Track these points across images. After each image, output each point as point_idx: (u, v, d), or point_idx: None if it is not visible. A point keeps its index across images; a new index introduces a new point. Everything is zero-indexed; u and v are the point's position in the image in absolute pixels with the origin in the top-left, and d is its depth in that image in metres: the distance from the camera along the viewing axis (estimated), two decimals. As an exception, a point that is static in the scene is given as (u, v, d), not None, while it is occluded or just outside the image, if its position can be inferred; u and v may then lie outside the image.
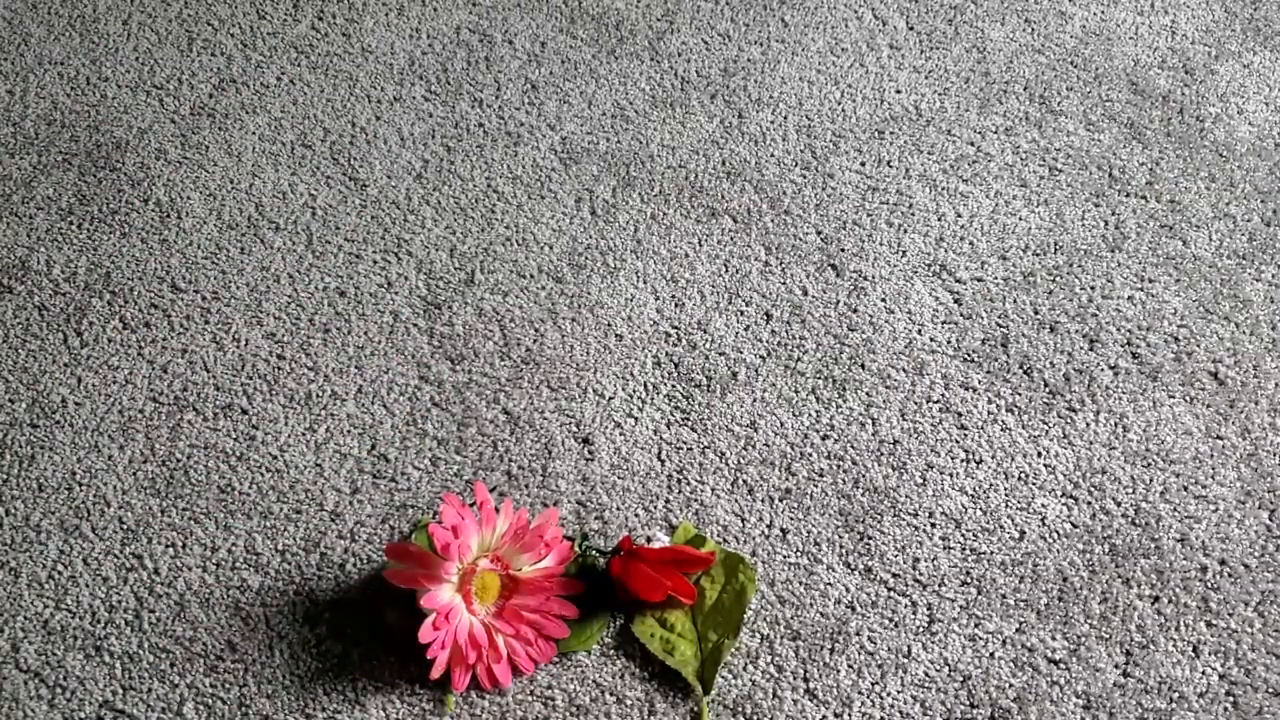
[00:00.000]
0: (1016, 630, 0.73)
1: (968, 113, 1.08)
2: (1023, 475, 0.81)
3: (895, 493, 0.80)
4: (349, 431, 0.84)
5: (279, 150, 1.04)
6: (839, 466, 0.82)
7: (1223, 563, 0.77)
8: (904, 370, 0.87)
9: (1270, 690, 0.71)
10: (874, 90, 1.10)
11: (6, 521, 0.79)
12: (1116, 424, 0.84)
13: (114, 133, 1.06)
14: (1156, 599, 0.75)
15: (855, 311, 0.91)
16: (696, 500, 0.80)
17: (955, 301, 0.92)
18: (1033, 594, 0.75)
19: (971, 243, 0.96)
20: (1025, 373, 0.87)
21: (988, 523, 0.79)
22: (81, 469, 0.82)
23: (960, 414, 0.85)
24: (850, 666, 0.72)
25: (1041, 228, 0.97)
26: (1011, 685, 0.71)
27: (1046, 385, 0.86)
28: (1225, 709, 0.70)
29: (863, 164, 1.03)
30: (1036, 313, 0.91)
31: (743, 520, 0.79)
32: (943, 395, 0.86)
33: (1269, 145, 1.04)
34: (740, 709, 0.70)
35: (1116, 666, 0.72)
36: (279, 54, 1.14)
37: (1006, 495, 0.80)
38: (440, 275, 0.94)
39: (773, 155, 1.03)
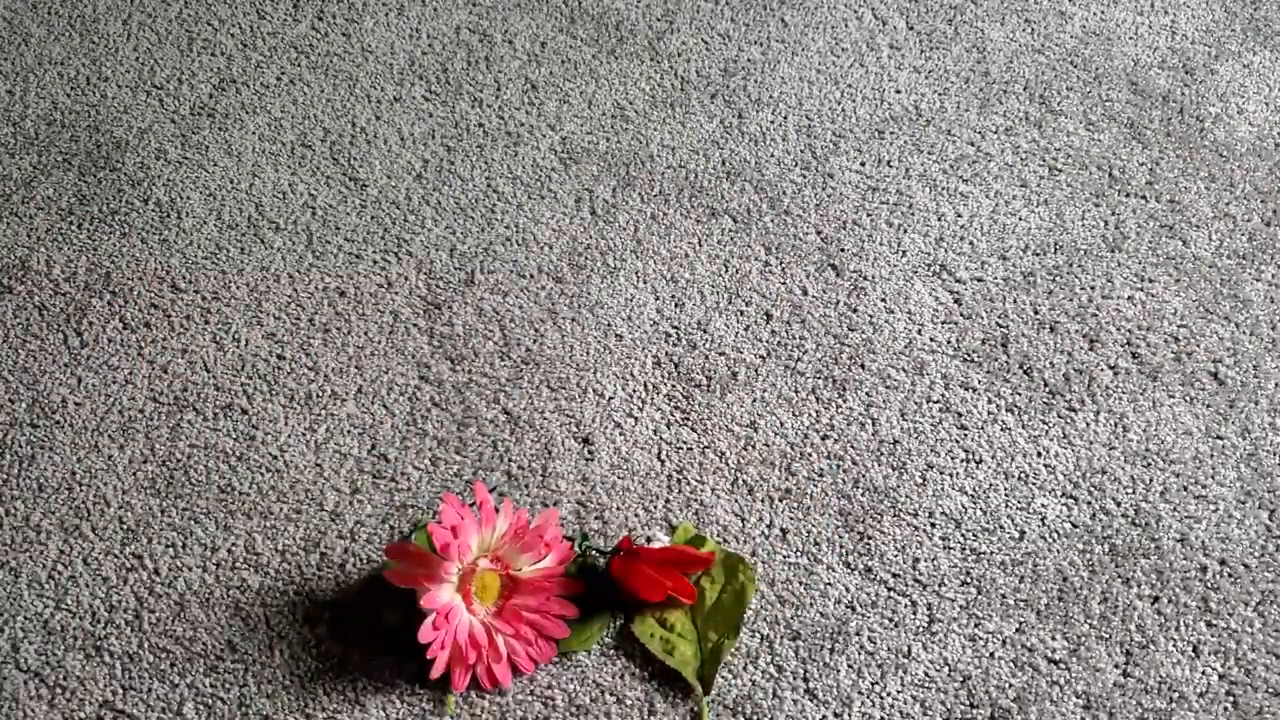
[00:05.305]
0: (1016, 630, 0.73)
1: (968, 113, 1.08)
2: (1023, 475, 0.81)
3: (895, 493, 0.80)
4: (349, 431, 0.84)
5: (279, 150, 1.04)
6: (839, 466, 0.82)
7: (1223, 563, 0.77)
8: (904, 370, 0.87)
9: (1270, 690, 0.71)
10: (874, 90, 1.10)
11: (6, 521, 0.79)
12: (1116, 424, 0.84)
13: (114, 133, 1.06)
14: (1156, 599, 0.75)
15: (855, 311, 0.91)
16: (696, 500, 0.80)
17: (955, 301, 0.92)
18: (1033, 594, 0.75)
19: (971, 243, 0.96)
20: (1025, 373, 0.87)
21: (988, 523, 0.79)
22: (81, 469, 0.82)
23: (960, 414, 0.85)
24: (850, 666, 0.72)
25: (1041, 228, 0.97)
26: (1011, 685, 0.71)
27: (1046, 385, 0.86)
28: (1225, 709, 0.70)
29: (863, 164, 1.03)
30: (1036, 313, 0.91)
31: (743, 520, 0.79)
32: (943, 395, 0.86)
33: (1269, 145, 1.04)
34: (740, 709, 0.70)
35: (1116, 666, 0.72)
36: (279, 54, 1.14)
37: (1006, 495, 0.80)
38: (440, 275, 0.94)
39: (773, 155, 1.03)
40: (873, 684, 0.71)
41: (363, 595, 0.76)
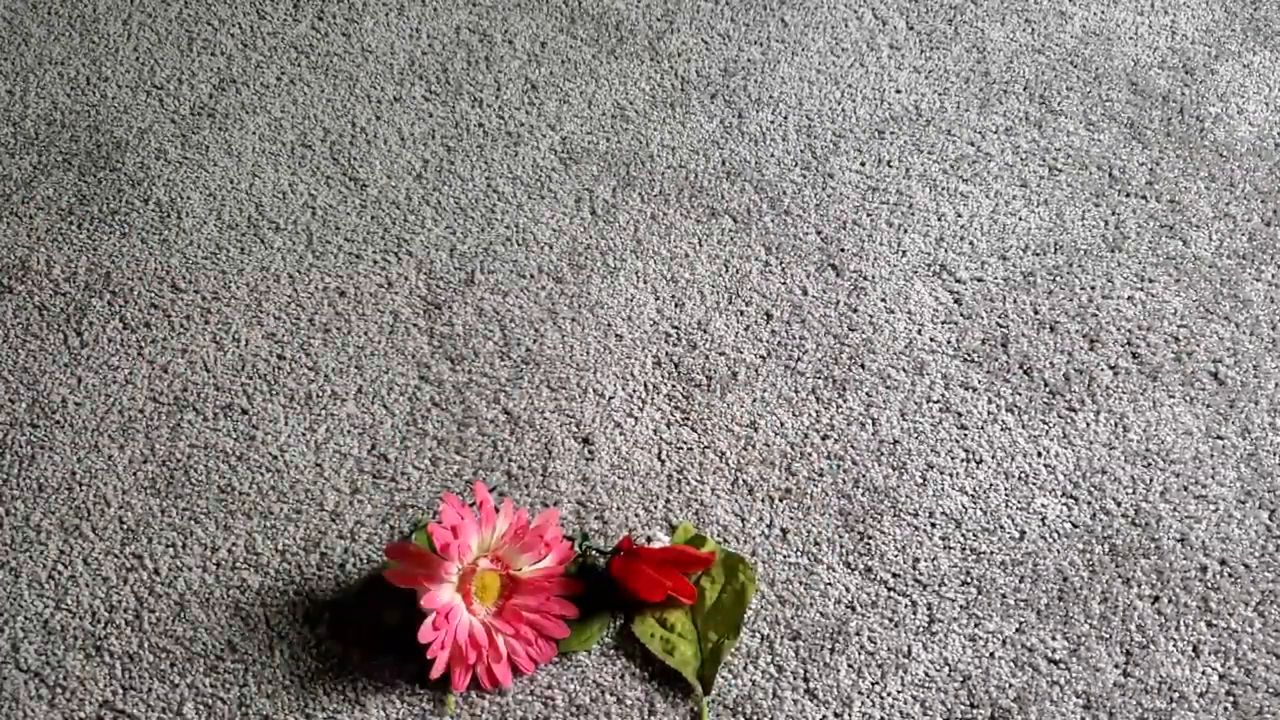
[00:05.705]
0: (1016, 630, 0.73)
1: (968, 113, 1.08)
2: (1023, 475, 0.81)
3: (895, 493, 0.80)
4: (349, 431, 0.84)
5: (279, 150, 1.04)
6: (839, 466, 0.82)
7: (1223, 563, 0.77)
8: (904, 370, 0.87)
9: (1270, 690, 0.71)
10: (874, 90, 1.10)
11: (6, 521, 0.79)
12: (1116, 424, 0.84)
13: (114, 133, 1.06)
14: (1156, 599, 0.75)
15: (855, 311, 0.91)
16: (696, 500, 0.80)
17: (955, 301, 0.92)
18: (1033, 594, 0.75)
19: (971, 243, 0.96)
20: (1025, 373, 0.87)
21: (988, 523, 0.79)
22: (81, 469, 0.82)
23: (960, 414, 0.85)
24: (850, 666, 0.72)
25: (1041, 228, 0.97)
26: (1011, 685, 0.71)
27: (1046, 385, 0.86)
28: (1225, 709, 0.70)
29: (863, 164, 1.03)
30: (1036, 313, 0.91)
31: (743, 520, 0.79)
32: (943, 395, 0.86)
33: (1269, 145, 1.04)
34: (740, 709, 0.70)
35: (1116, 666, 0.72)
36: (279, 54, 1.14)
37: (1006, 495, 0.80)
38: (440, 275, 0.94)
39: (773, 155, 1.03)
40: (873, 684, 0.71)
41: (363, 595, 0.76)
